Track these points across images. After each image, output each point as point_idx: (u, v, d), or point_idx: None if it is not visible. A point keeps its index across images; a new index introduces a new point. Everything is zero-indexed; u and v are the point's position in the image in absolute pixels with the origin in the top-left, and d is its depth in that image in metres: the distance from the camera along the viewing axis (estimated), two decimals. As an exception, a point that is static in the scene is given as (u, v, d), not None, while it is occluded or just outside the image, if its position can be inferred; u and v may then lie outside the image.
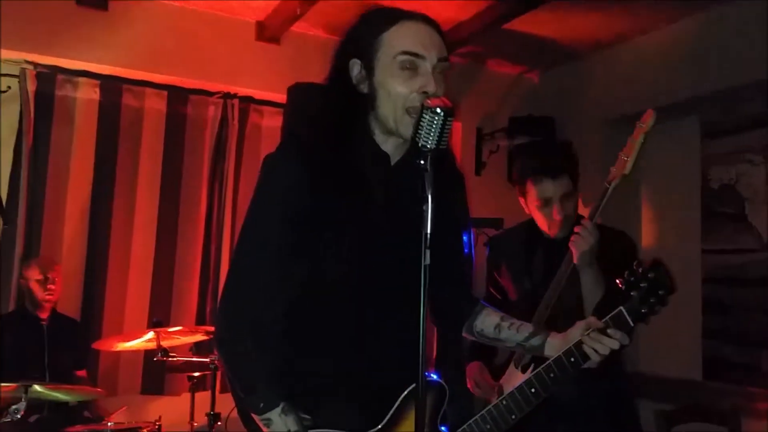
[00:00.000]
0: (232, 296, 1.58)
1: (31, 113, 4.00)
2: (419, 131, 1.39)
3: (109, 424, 3.14)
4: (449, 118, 1.39)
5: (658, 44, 4.28)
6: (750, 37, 3.73)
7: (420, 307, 1.34)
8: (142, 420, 3.29)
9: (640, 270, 1.66)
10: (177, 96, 4.38)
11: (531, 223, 2.64)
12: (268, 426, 1.51)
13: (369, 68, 1.56)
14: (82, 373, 3.82)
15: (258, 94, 4.50)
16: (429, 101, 1.40)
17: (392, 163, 1.63)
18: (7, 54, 3.93)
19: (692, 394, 4.03)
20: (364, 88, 1.58)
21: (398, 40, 1.55)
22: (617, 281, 1.68)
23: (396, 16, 1.59)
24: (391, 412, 1.56)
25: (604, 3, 3.97)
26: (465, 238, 1.77)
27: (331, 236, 1.55)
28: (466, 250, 1.77)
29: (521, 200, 2.62)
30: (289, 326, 1.58)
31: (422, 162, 1.38)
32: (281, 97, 4.09)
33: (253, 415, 1.53)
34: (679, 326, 4.13)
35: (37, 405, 3.31)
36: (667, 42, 4.22)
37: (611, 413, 2.47)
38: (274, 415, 1.50)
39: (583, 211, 2.56)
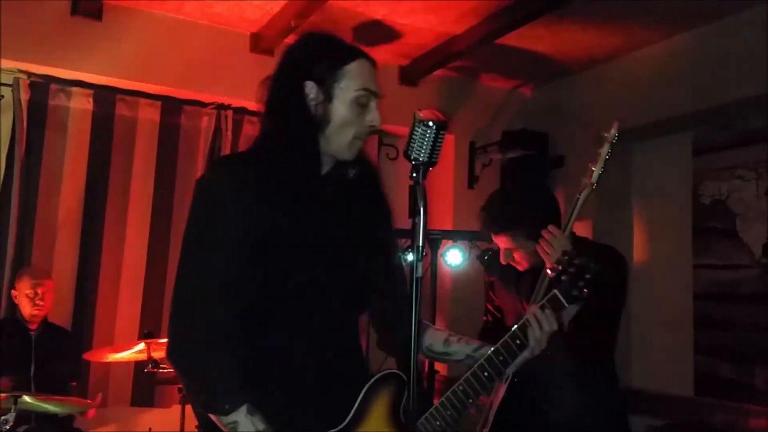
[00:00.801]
0: (180, 310, 1.58)
1: (24, 122, 4.00)
2: (411, 144, 1.41)
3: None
4: (441, 132, 1.40)
5: (651, 61, 4.30)
6: (741, 55, 3.75)
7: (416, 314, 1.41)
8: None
9: (566, 258, 1.78)
10: (171, 106, 4.38)
11: None
12: (234, 429, 1.49)
13: (327, 96, 1.63)
14: (73, 384, 3.79)
15: (252, 105, 4.49)
16: (421, 114, 1.41)
17: (323, 172, 1.69)
18: (1, 63, 3.92)
19: (684, 410, 4.02)
20: (317, 110, 1.64)
21: (358, 77, 1.65)
22: (547, 270, 1.81)
23: (355, 52, 1.69)
24: (354, 409, 1.59)
25: (597, 19, 3.99)
26: (397, 253, 1.82)
27: (268, 248, 1.57)
28: (399, 266, 1.83)
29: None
30: (240, 332, 1.58)
31: (414, 175, 1.40)
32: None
33: (218, 424, 1.51)
34: (671, 342, 4.13)
35: (25, 415, 3.28)
36: (660, 58, 4.24)
37: (604, 429, 2.46)
38: (240, 415, 1.48)
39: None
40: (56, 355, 3.75)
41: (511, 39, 4.18)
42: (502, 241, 2.52)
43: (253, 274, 1.56)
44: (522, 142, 4.74)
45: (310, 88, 1.64)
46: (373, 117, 1.66)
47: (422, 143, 1.40)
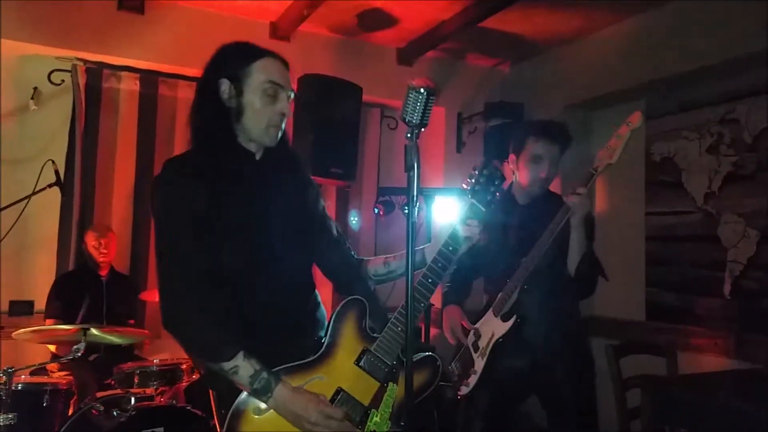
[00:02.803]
0: (166, 289, 1.57)
1: (82, 103, 3.98)
2: (406, 108, 1.39)
3: (155, 361, 3.17)
4: (431, 97, 1.39)
5: (609, 39, 4.25)
6: (686, 33, 3.71)
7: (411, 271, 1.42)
8: (182, 357, 3.32)
9: (476, 171, 1.76)
10: (205, 87, 4.34)
11: (505, 191, 2.61)
12: (236, 373, 1.50)
13: (239, 90, 1.63)
14: (131, 322, 3.85)
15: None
16: (414, 82, 1.40)
17: (257, 158, 1.69)
18: (61, 52, 3.91)
19: (637, 332, 4.08)
20: (231, 103, 1.63)
21: (265, 71, 1.64)
22: (463, 185, 1.78)
23: (262, 52, 1.68)
24: (329, 332, 1.63)
25: (565, 3, 3.93)
26: (324, 210, 1.85)
27: (222, 226, 1.57)
28: (329, 221, 1.85)
29: (510, 159, 2.57)
30: (219, 294, 1.58)
31: (408, 135, 1.39)
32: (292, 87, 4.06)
33: (220, 372, 1.52)
34: (627, 276, 4.17)
35: (95, 346, 3.34)
36: (619, 37, 4.19)
37: (570, 348, 2.50)
38: (239, 359, 1.49)
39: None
40: (121, 297, 3.81)
41: (491, 23, 4.12)
42: (552, 150, 2.48)
43: (215, 249, 1.56)
44: (501, 112, 4.70)
45: (224, 85, 1.64)
46: (282, 106, 1.65)
47: (415, 107, 1.38)
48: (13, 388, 2.67)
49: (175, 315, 1.55)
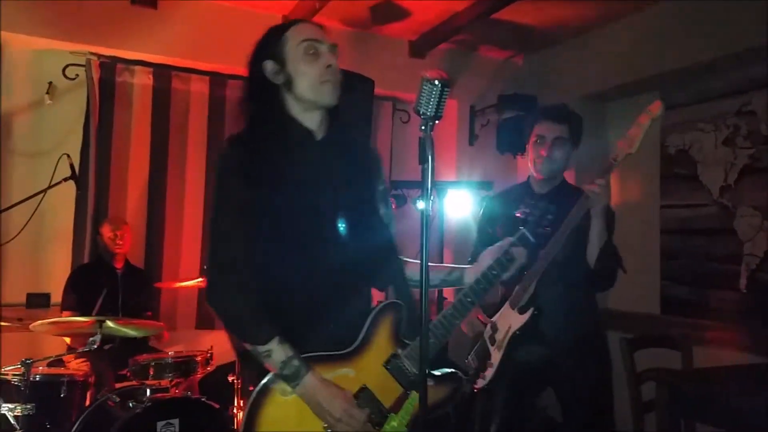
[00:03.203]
0: (213, 266, 1.59)
1: (96, 97, 4.01)
2: (420, 100, 1.38)
3: (170, 353, 3.20)
4: (445, 89, 1.37)
5: (625, 29, 4.20)
6: (701, 23, 3.67)
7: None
8: (197, 349, 3.34)
9: (533, 202, 1.80)
10: (218, 81, 4.35)
11: (524, 183, 2.61)
12: (269, 356, 1.51)
13: (281, 62, 1.64)
14: (149, 314, 3.88)
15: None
16: (428, 74, 1.38)
17: (317, 139, 1.67)
18: (75, 47, 3.94)
19: (652, 325, 4.06)
20: (279, 79, 1.64)
21: (299, 33, 1.66)
22: (517, 213, 1.81)
23: (293, 22, 1.71)
24: (363, 334, 1.62)
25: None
26: (385, 207, 1.81)
27: (281, 210, 1.57)
28: (387, 219, 1.81)
29: (528, 150, 2.55)
30: (264, 277, 1.59)
31: (423, 128, 1.37)
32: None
33: (254, 353, 1.53)
34: (642, 269, 4.14)
35: (111, 337, 3.38)
36: (633, 27, 4.14)
37: (587, 342, 2.48)
38: (274, 344, 1.50)
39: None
40: (136, 290, 3.84)
41: (504, 14, 4.09)
42: (556, 129, 2.46)
43: (267, 231, 1.57)
44: (514, 105, 4.67)
45: (268, 66, 1.65)
46: (326, 59, 1.64)
47: (429, 99, 1.37)
48: (31, 379, 2.71)
49: (217, 291, 1.57)
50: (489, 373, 2.39)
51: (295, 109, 1.66)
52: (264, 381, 1.53)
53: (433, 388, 1.63)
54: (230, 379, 3.41)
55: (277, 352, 1.51)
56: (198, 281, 3.54)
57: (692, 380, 2.71)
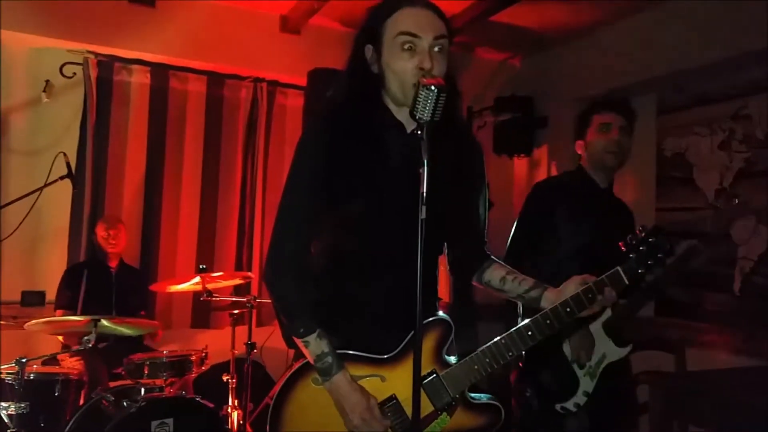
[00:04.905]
0: (275, 248, 1.57)
1: (93, 95, 4.00)
2: (416, 105, 1.37)
3: (164, 352, 3.19)
4: (442, 95, 1.36)
5: (622, 33, 4.21)
6: (699, 27, 3.67)
7: (422, 257, 1.33)
8: (192, 348, 3.34)
9: (643, 234, 1.55)
10: (215, 80, 4.35)
11: (579, 170, 2.49)
12: (306, 347, 1.52)
13: (378, 51, 1.52)
14: (142, 313, 3.87)
15: (283, 78, 4.46)
16: (424, 80, 1.38)
17: (408, 131, 1.59)
18: (73, 45, 3.93)
19: (646, 327, 4.06)
20: (375, 69, 1.54)
21: (398, 23, 1.49)
22: (620, 244, 1.56)
23: (398, 3, 1.52)
24: (404, 342, 1.55)
25: (575, -2, 3.91)
26: (481, 199, 1.69)
27: (356, 194, 1.53)
28: (481, 211, 1.70)
29: (577, 146, 2.49)
30: (321, 268, 1.58)
31: (419, 132, 1.37)
32: (302, 81, 4.07)
33: (295, 339, 1.54)
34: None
35: (105, 336, 3.37)
36: (629, 31, 4.15)
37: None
38: (312, 338, 1.51)
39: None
40: (130, 289, 3.83)
41: (502, 16, 4.10)
42: (620, 119, 2.42)
43: (334, 219, 1.54)
44: (511, 106, 4.69)
45: (368, 51, 1.54)
46: (420, 59, 1.46)
47: (425, 104, 1.36)
48: (25, 377, 2.70)
49: (271, 271, 1.56)
50: (581, 399, 2.27)
51: (389, 103, 1.57)
52: (305, 362, 1.54)
53: (469, 414, 1.58)
54: (225, 378, 3.41)
55: (314, 345, 1.51)
56: (193, 283, 3.54)
57: (686, 383, 2.71)
